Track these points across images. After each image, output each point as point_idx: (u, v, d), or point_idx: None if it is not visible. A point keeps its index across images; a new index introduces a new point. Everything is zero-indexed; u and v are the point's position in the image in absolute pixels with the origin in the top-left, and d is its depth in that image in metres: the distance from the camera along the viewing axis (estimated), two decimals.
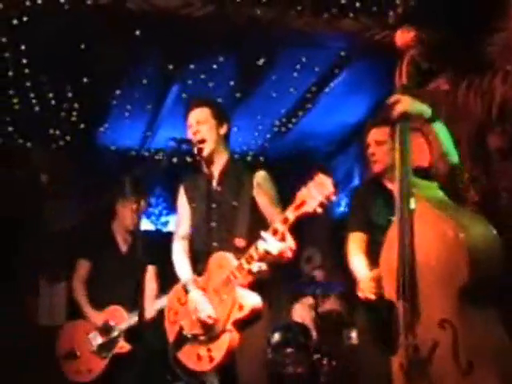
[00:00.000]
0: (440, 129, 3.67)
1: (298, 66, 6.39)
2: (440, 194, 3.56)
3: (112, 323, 5.16)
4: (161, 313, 4.48)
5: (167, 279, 5.05)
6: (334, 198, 3.35)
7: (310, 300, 6.72)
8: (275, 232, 3.56)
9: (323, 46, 6.17)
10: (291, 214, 3.49)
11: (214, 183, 4.04)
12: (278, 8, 5.54)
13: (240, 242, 3.77)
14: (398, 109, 3.52)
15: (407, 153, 3.49)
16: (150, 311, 4.99)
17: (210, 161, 4.04)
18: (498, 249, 3.29)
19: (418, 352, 3.32)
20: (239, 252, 3.76)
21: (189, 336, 3.90)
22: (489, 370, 3.15)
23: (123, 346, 5.11)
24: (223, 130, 4.05)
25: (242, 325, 3.75)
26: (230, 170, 4.05)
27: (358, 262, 3.98)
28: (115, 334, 5.13)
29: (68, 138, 7.42)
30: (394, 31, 5.69)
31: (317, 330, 6.27)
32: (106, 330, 5.15)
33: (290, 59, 6.31)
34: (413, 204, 3.41)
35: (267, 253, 3.55)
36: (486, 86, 5.08)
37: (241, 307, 3.71)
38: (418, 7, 5.51)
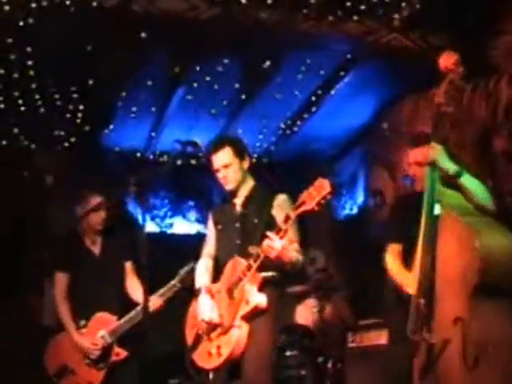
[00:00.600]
0: (468, 181, 3.89)
1: (303, 69, 6.39)
2: (463, 200, 3.85)
3: (102, 332, 5.02)
4: (165, 319, 4.50)
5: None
6: (329, 197, 3.77)
7: (313, 302, 6.71)
8: (278, 230, 3.94)
9: (328, 49, 6.16)
10: (292, 213, 3.92)
11: (239, 207, 4.44)
12: (283, 11, 5.54)
13: (253, 249, 4.07)
14: (428, 156, 3.89)
15: (434, 187, 3.83)
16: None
17: (236, 191, 4.45)
18: None
19: (432, 350, 3.58)
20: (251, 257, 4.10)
21: (203, 336, 4.24)
22: (492, 364, 3.37)
23: (119, 353, 5.03)
24: (246, 163, 4.43)
25: (248, 319, 4.10)
26: (253, 195, 4.44)
27: (397, 269, 4.18)
28: (109, 341, 5.01)
29: (73, 139, 7.42)
30: (400, 34, 5.73)
31: (321, 332, 6.26)
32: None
33: (295, 62, 6.30)
34: (437, 210, 3.76)
35: (271, 248, 3.89)
36: (491, 88, 5.10)
37: (247, 302, 4.06)
38: (424, 10, 5.52)
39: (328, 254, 8.05)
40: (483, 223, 3.70)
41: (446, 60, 3.95)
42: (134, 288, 5.27)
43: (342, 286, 6.92)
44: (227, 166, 4.34)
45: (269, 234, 3.93)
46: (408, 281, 3.89)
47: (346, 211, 8.29)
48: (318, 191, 3.76)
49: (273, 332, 4.22)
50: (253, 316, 4.08)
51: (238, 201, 4.44)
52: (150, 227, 7.96)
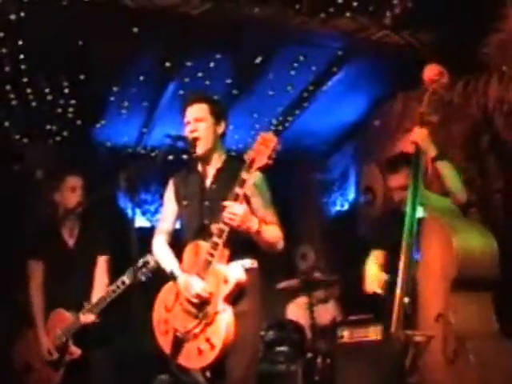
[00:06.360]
0: (445, 168, 4.08)
1: (295, 65, 6.40)
2: (447, 203, 4.08)
3: (58, 330, 4.85)
4: (136, 319, 4.22)
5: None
6: (279, 147, 3.69)
7: (303, 298, 6.72)
8: (236, 197, 3.69)
9: (320, 45, 6.18)
10: (246, 175, 3.68)
11: (208, 182, 4.02)
12: (275, 6, 5.55)
13: (215, 227, 3.78)
14: (412, 137, 4.11)
15: (418, 176, 4.04)
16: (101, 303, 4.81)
17: (205, 159, 4.03)
18: (491, 253, 3.81)
19: (418, 347, 3.72)
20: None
21: (185, 336, 3.80)
22: (470, 356, 3.53)
23: (73, 352, 4.81)
24: (221, 128, 4.03)
25: (231, 300, 3.75)
26: (226, 169, 4.00)
27: (369, 267, 4.40)
28: (63, 339, 4.84)
29: (64, 133, 7.41)
30: (391, 31, 5.76)
31: (311, 328, 6.27)
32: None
33: (287, 58, 6.32)
34: (421, 213, 3.95)
35: (232, 214, 3.65)
36: (481, 86, 5.13)
37: (226, 281, 3.72)
38: (415, 8, 5.54)
39: (318, 250, 8.07)
40: (462, 223, 3.95)
41: (430, 71, 4.11)
42: (96, 284, 5.03)
43: (332, 282, 6.92)
44: (199, 120, 3.96)
45: (225, 203, 3.66)
46: (379, 282, 4.17)
47: (337, 208, 8.31)
48: (266, 145, 3.66)
49: (258, 327, 4.00)
50: (236, 295, 3.73)
51: (209, 172, 4.04)
52: (141, 222, 7.96)
